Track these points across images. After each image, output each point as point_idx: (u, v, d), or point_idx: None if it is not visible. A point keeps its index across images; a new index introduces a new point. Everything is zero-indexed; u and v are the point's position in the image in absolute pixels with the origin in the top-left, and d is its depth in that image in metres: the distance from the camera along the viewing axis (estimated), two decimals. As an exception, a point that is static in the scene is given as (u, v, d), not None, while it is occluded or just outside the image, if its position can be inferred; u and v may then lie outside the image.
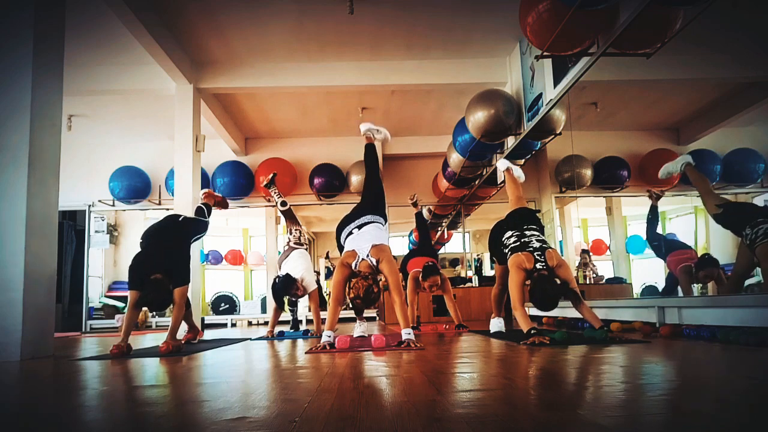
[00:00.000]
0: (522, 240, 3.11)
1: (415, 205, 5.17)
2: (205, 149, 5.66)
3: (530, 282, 2.97)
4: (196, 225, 3.89)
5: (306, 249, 4.74)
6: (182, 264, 3.40)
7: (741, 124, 6.00)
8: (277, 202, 4.76)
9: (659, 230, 5.73)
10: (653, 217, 5.25)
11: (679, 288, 5.11)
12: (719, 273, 4.33)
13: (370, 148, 3.71)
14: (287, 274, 4.26)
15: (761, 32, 4.26)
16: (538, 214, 3.47)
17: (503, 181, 6.47)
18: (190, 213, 5.30)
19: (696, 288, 4.56)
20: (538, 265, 2.94)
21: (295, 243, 4.63)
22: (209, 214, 4.06)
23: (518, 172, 3.83)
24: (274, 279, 4.35)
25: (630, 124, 6.88)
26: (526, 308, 3.06)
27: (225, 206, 4.47)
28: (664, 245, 5.19)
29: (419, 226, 5.28)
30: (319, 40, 5.19)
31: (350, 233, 3.20)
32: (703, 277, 4.35)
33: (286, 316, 5.32)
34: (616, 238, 7.26)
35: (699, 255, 4.82)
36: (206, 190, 4.34)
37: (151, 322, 7.63)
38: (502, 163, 3.89)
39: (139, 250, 3.44)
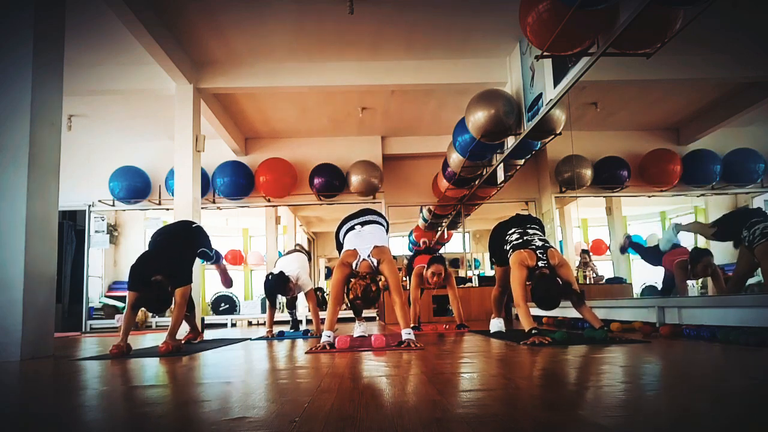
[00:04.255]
0: (524, 238, 3.12)
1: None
2: (205, 149, 5.66)
3: (531, 280, 2.98)
4: (206, 238, 3.84)
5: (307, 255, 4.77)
6: (184, 265, 3.40)
7: (741, 124, 6.01)
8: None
9: (650, 245, 5.83)
10: (643, 252, 5.38)
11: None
12: (713, 263, 4.34)
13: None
14: (281, 272, 4.23)
15: (761, 32, 4.26)
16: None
17: (503, 182, 6.52)
18: (189, 214, 5.32)
19: (696, 287, 4.56)
20: (540, 263, 2.95)
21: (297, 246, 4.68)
22: (215, 259, 4.03)
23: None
24: (267, 276, 4.32)
25: (630, 124, 6.88)
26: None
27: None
28: (658, 253, 5.23)
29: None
30: (319, 40, 5.19)
31: (352, 228, 3.21)
32: (701, 269, 4.35)
33: (285, 315, 5.31)
34: (616, 238, 7.26)
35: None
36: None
37: (151, 322, 7.62)
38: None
39: (143, 250, 3.43)
